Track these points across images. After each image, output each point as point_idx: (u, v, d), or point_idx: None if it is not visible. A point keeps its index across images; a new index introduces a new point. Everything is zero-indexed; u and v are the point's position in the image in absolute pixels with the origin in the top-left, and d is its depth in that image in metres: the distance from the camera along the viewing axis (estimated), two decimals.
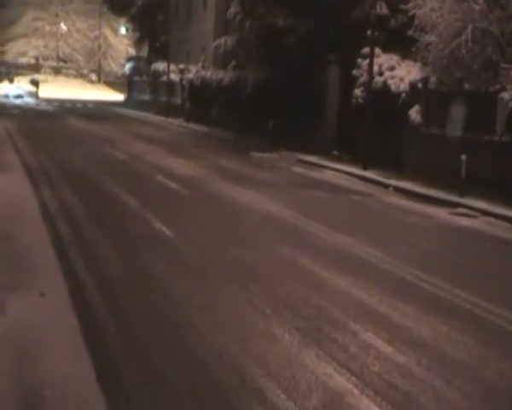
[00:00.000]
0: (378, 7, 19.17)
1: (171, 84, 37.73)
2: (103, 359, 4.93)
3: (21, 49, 78.67)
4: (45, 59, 78.15)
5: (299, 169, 18.11)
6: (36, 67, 76.06)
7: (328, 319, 6.15)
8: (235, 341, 5.44)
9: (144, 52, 48.73)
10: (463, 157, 13.56)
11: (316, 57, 21.77)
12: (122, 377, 4.70)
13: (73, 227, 9.25)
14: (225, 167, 17.52)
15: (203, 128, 30.18)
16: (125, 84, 55.12)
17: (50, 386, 4.39)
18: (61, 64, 77.54)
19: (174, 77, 37.35)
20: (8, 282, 6.52)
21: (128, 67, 51.51)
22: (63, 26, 76.13)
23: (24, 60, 78.17)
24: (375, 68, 17.73)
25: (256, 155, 21.06)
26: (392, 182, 15.47)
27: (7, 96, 54.43)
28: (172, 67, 37.61)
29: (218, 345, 5.34)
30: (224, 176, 15.53)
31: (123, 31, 67.41)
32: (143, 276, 7.18)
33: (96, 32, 77.75)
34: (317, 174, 17.27)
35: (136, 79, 48.15)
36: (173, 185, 13.68)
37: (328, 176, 17.03)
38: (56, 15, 76.58)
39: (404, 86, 17.23)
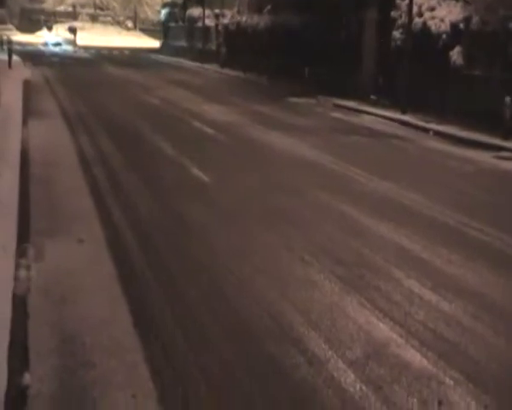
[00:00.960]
0: None
1: (206, 30, 37.13)
2: (140, 305, 4.80)
3: None
4: (82, 6, 77.69)
5: (336, 114, 17.66)
6: (73, 15, 75.74)
7: (370, 265, 5.92)
8: (273, 288, 5.26)
9: None
10: (508, 99, 12.99)
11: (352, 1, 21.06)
12: (158, 324, 4.57)
13: (110, 173, 9.12)
14: (261, 113, 17.18)
15: (238, 74, 29.69)
16: (160, 31, 54.51)
17: (88, 332, 4.29)
18: (97, 11, 77.05)
19: (209, 22, 36.72)
20: (47, 227, 6.45)
21: (164, 13, 50.79)
22: None
23: (62, 8, 77.86)
24: (415, 9, 16.99)
25: (292, 100, 20.63)
26: (433, 126, 14.95)
27: (46, 44, 54.47)
28: (207, 12, 36.94)
29: (256, 292, 5.17)
30: (260, 121, 15.21)
31: None
32: (180, 222, 7.02)
33: None
34: (355, 119, 16.81)
35: (172, 25, 47.51)
36: (209, 131, 13.44)
37: (366, 121, 16.57)
38: None
39: (444, 27, 16.50)
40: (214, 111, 16.78)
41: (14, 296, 4.67)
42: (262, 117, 16.24)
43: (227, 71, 31.51)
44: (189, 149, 11.21)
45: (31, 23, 73.04)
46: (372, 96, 19.51)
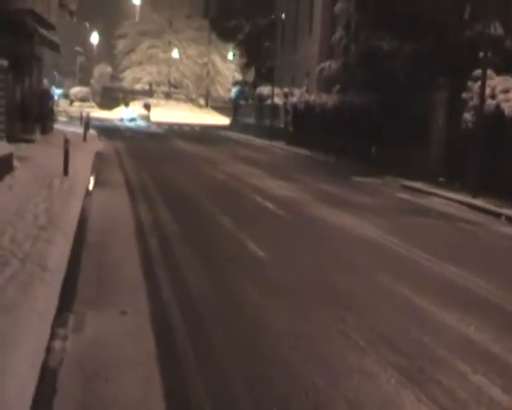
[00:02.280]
0: (492, 27, 18.02)
1: (274, 108, 37.67)
2: (176, 390, 4.42)
3: (137, 76, 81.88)
4: (158, 85, 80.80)
5: (403, 195, 17.17)
6: (149, 93, 78.81)
7: (432, 357, 5.37)
8: (324, 375, 4.80)
9: (250, 77, 49.06)
10: None
11: (421, 81, 20.81)
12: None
13: (164, 243, 8.93)
14: (325, 191, 16.90)
15: (305, 151, 29.72)
16: (231, 108, 55.79)
17: None
18: (171, 89, 79.89)
19: (278, 100, 37.27)
20: (92, 297, 6.23)
21: (234, 91, 52.11)
22: (175, 54, 78.50)
23: (139, 86, 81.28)
24: (487, 91, 16.57)
25: (357, 179, 20.29)
26: (505, 211, 14.25)
27: (122, 120, 56.65)
28: (277, 90, 37.56)
29: (305, 379, 4.72)
30: (323, 199, 14.91)
31: (230, 56, 68.63)
32: (231, 299, 6.65)
33: (205, 59, 79.58)
34: (422, 201, 16.28)
35: (242, 103, 48.57)
36: (270, 206, 13.21)
37: (434, 203, 16.01)
38: (169, 43, 79.14)
39: None
40: (277, 187, 16.61)
41: (46, 369, 4.40)
42: (325, 195, 15.94)
43: (294, 148, 31.62)
44: (248, 224, 10.97)
45: (111, 100, 76.49)
46: (440, 178, 18.96)
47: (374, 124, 23.69)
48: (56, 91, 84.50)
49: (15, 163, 14.16)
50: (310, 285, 7.37)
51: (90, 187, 13.60)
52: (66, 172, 13.76)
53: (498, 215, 14.05)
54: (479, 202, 15.45)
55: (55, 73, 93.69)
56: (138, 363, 4.73)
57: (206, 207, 12.55)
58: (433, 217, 13.73)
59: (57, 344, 4.86)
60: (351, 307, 6.63)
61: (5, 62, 13.38)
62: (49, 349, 4.73)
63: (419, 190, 17.95)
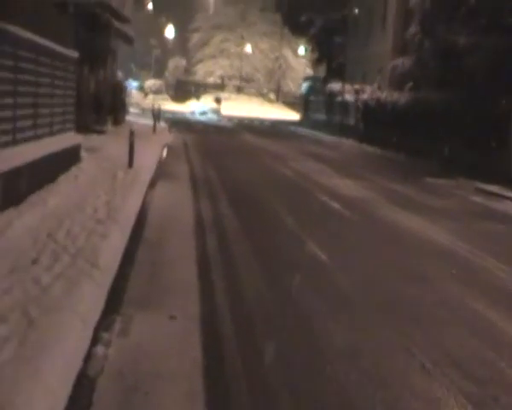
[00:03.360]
0: None
1: (345, 105, 36.92)
2: (222, 406, 4.05)
3: (209, 70, 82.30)
4: (229, 78, 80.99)
5: (477, 198, 16.28)
6: (221, 86, 79.10)
7: (508, 385, 4.81)
8: (382, 401, 4.32)
9: (321, 72, 48.25)
10: None
11: (500, 80, 19.73)
12: None
13: (222, 243, 8.58)
14: (394, 191, 16.21)
15: (375, 149, 28.90)
16: (301, 103, 55.21)
17: None
18: (243, 83, 79.90)
19: (349, 97, 36.49)
20: (142, 298, 5.94)
21: (305, 86, 51.48)
22: (248, 48, 78.51)
23: (211, 79, 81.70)
24: None
25: (429, 180, 19.43)
26: None
27: (193, 113, 57.10)
28: (348, 87, 36.78)
29: (361, 403, 4.26)
30: (393, 200, 14.25)
31: (302, 51, 67.94)
32: (287, 306, 6.22)
33: (277, 53, 79.15)
34: (498, 205, 15.36)
35: (312, 98, 47.92)
36: (336, 206, 12.69)
37: (509, 207, 15.09)
38: (242, 37, 79.12)
39: None
40: (344, 186, 16.05)
41: (83, 377, 4.12)
42: (394, 195, 15.27)
43: (364, 146, 30.83)
44: (312, 224, 10.52)
45: (183, 93, 77.28)
46: None
47: (448, 123, 22.70)
48: (132, 84, 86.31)
49: (83, 154, 14.19)
50: (373, 295, 6.86)
51: (154, 180, 13.43)
52: (130, 164, 13.67)
53: None
54: None
55: (132, 65, 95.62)
56: (182, 374, 4.39)
57: (270, 206, 12.16)
58: (509, 222, 12.88)
59: (99, 350, 4.57)
60: (416, 321, 6.09)
61: (76, 54, 13.32)
62: (89, 356, 4.44)
63: (495, 194, 16.97)
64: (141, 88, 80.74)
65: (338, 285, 7.12)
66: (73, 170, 11.99)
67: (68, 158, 11.98)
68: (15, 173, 8.59)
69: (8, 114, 8.64)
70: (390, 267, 8.18)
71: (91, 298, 5.19)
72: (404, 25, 31.07)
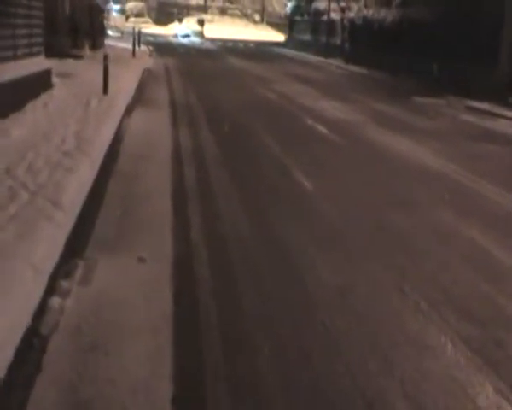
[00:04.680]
0: None
1: (331, 24, 35.62)
2: (192, 368, 3.53)
3: None
4: (213, 0, 78.38)
5: (467, 117, 15.65)
6: (204, 8, 76.55)
7: (509, 324, 4.35)
8: (375, 350, 3.84)
9: None
10: None
11: None
12: (207, 397, 3.29)
13: (201, 173, 7.94)
14: (382, 112, 15.54)
15: (362, 70, 27.92)
16: (286, 24, 53.47)
17: (111, 404, 3.10)
18: (226, 4, 77.35)
19: (335, 16, 35.18)
20: (110, 238, 5.37)
21: (289, 6, 49.66)
22: None
23: (194, 1, 79.01)
24: None
25: (418, 99, 18.72)
26: None
27: (176, 36, 55.35)
28: (333, 5, 35.40)
29: (352, 354, 3.77)
30: (381, 122, 13.61)
31: None
32: (269, 242, 5.67)
33: None
34: (489, 124, 14.76)
35: (298, 19, 46.29)
36: (322, 130, 12.04)
37: (502, 126, 14.50)
38: None
39: None
40: (331, 108, 15.35)
41: (33, 337, 3.58)
42: (382, 117, 14.61)
43: (350, 67, 29.81)
44: (296, 150, 9.90)
45: (166, 16, 74.78)
46: (510, 99, 17.25)
47: (437, 39, 21.76)
48: (114, 7, 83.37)
49: (55, 80, 13.34)
50: (361, 225, 6.33)
51: (131, 107, 12.66)
52: (105, 90, 12.85)
53: None
54: None
55: None
56: (149, 328, 3.86)
57: (253, 131, 11.49)
58: (501, 142, 12.31)
59: (55, 302, 4.02)
60: (409, 253, 5.58)
61: None
62: (42, 310, 3.89)
63: (485, 112, 16.35)
64: (122, 11, 78.11)
65: (323, 217, 6.58)
66: (43, 97, 11.19)
67: (37, 84, 11.15)
68: None
69: None
70: (378, 193, 7.62)
71: (49, 242, 4.60)
72: None
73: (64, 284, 4.30)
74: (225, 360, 3.60)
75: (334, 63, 31.88)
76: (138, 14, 74.33)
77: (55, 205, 5.29)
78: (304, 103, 15.89)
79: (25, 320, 3.59)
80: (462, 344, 3.99)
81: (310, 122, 12.91)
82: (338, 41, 34.54)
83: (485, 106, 16.77)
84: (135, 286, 4.43)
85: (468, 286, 4.96)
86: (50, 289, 4.17)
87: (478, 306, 4.61)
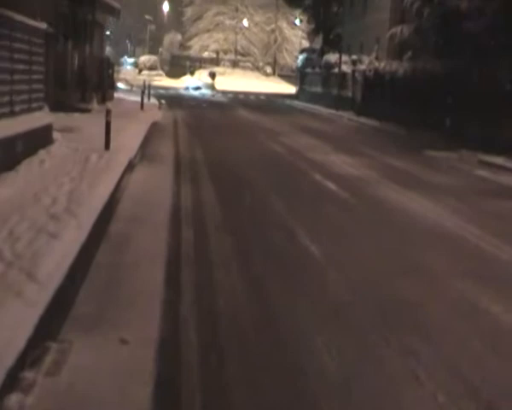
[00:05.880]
0: None
1: (342, 76, 35.56)
2: None
3: (204, 44, 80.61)
4: (224, 53, 79.36)
5: (482, 172, 15.14)
6: (216, 61, 77.46)
7: None
8: None
9: (317, 44, 46.77)
10: None
11: (504, 45, 18.50)
12: None
13: (199, 237, 7.43)
14: (394, 167, 15.09)
15: (373, 122, 27.64)
16: (297, 76, 53.73)
17: None
18: (238, 57, 78.17)
19: (346, 68, 35.16)
20: (90, 315, 4.86)
21: (301, 58, 49.98)
22: (244, 23, 76.75)
23: (206, 54, 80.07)
24: None
25: (430, 153, 18.28)
26: None
27: (187, 89, 55.75)
28: (344, 58, 35.44)
29: None
30: (392, 177, 13.13)
31: (297, 22, 66.11)
32: (269, 320, 5.11)
33: (273, 26, 77.04)
34: (504, 179, 14.24)
35: (308, 71, 46.48)
36: (331, 187, 11.57)
37: None
38: (236, 10, 77.17)
39: None
40: (341, 163, 14.93)
41: None
42: (394, 172, 14.15)
43: (362, 119, 29.54)
44: (303, 210, 9.42)
45: (178, 69, 75.73)
46: None
47: (449, 93, 21.46)
48: (127, 60, 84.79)
49: (56, 135, 13.03)
50: (369, 297, 5.76)
51: (133, 163, 12.28)
52: (107, 145, 12.52)
53: None
54: None
55: (127, 42, 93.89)
56: None
57: (258, 189, 11.05)
58: None
59: (13, 400, 3.48)
60: (423, 332, 5.01)
61: (44, 25, 12.14)
62: None
63: (501, 167, 15.84)
64: (136, 64, 79.39)
65: (328, 284, 6.04)
66: (41, 153, 10.84)
67: (34, 140, 10.81)
68: None
69: None
70: (389, 259, 7.09)
71: (19, 325, 4.09)
72: None
73: (28, 375, 3.77)
74: None
75: (346, 116, 31.67)
76: (151, 68, 75.32)
77: (29, 277, 4.81)
78: (313, 158, 15.49)
79: None
80: None
81: (319, 178, 12.46)
82: (349, 93, 34.42)
83: (499, 160, 16.28)
84: (112, 376, 3.89)
85: (495, 377, 4.38)
86: (10, 384, 3.63)
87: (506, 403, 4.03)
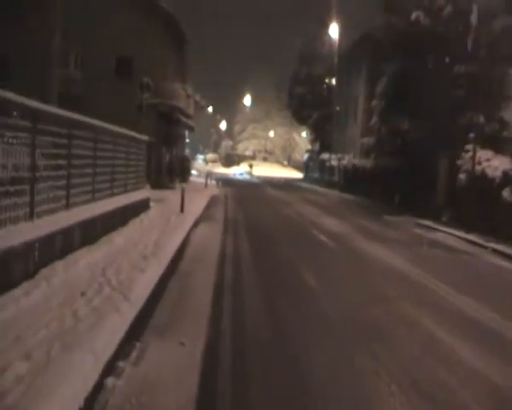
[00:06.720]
0: (475, 118, 15.72)
1: (331, 168, 35.51)
2: None
3: (245, 146, 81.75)
4: (259, 151, 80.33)
5: (417, 230, 14.75)
6: (253, 157, 78.30)
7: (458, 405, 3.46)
8: None
9: (316, 147, 47.04)
10: None
11: (430, 150, 18.45)
12: None
13: (236, 272, 7.31)
14: (364, 226, 14.79)
15: (351, 197, 27.35)
16: (303, 167, 53.91)
17: None
18: (267, 155, 79.06)
19: (334, 163, 35.12)
20: (164, 324, 4.72)
21: (305, 156, 50.23)
22: (271, 134, 77.89)
23: (247, 152, 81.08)
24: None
25: (387, 217, 17.91)
26: (491, 244, 11.72)
27: (234, 174, 56.12)
28: (333, 156, 35.47)
29: None
30: (363, 233, 12.85)
31: (304, 134, 66.75)
32: (280, 334, 4.91)
33: (288, 136, 78.13)
34: (431, 235, 13.82)
35: (311, 164, 46.61)
36: (323, 239, 11.35)
37: (439, 236, 13.53)
38: (265, 126, 78.45)
39: (498, 173, 13.50)
40: (329, 222, 14.70)
41: None
42: (364, 229, 13.86)
43: (344, 195, 29.27)
44: (305, 253, 9.23)
45: (230, 161, 76.69)
46: (443, 218, 16.37)
47: (398, 178, 21.26)
48: (200, 157, 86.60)
49: (152, 203, 13.16)
50: (349, 319, 5.50)
51: (197, 221, 12.27)
52: (182, 210, 12.57)
53: (485, 247, 11.62)
54: (471, 236, 12.93)
55: (200, 145, 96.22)
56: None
57: (276, 238, 10.89)
58: (440, 248, 11.37)
59: (109, 382, 3.36)
60: (382, 340, 4.74)
61: (146, 137, 12.42)
62: (98, 389, 3.24)
63: (428, 227, 15.41)
64: (205, 160, 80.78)
65: (324, 307, 5.81)
66: (142, 216, 10.92)
67: (138, 207, 10.93)
68: (91, 221, 7.54)
69: (87, 180, 7.66)
70: (360, 291, 6.80)
71: (111, 330, 3.99)
72: (368, 117, 29.81)
73: (121, 364, 3.64)
74: None
75: (334, 193, 31.41)
76: (214, 161, 76.56)
77: (125, 298, 4.73)
78: (311, 219, 15.30)
79: (76, 402, 2.94)
80: None
81: (315, 232, 12.26)
82: (336, 178, 34.30)
83: (428, 222, 15.88)
84: (173, 367, 3.75)
85: (427, 371, 4.09)
86: (108, 371, 3.51)
87: (435, 389, 3.74)
